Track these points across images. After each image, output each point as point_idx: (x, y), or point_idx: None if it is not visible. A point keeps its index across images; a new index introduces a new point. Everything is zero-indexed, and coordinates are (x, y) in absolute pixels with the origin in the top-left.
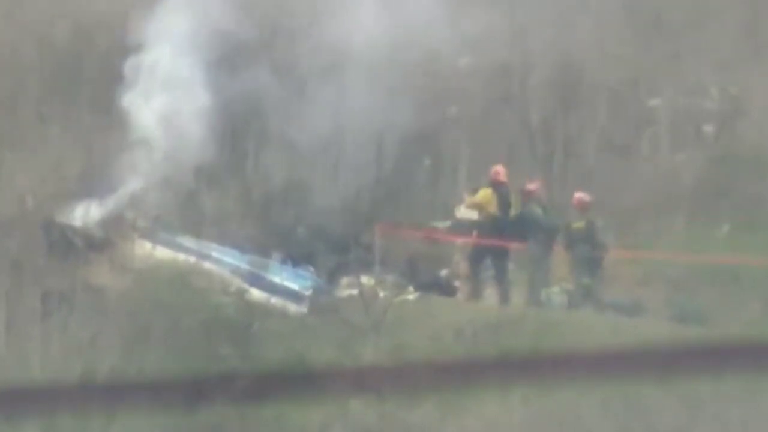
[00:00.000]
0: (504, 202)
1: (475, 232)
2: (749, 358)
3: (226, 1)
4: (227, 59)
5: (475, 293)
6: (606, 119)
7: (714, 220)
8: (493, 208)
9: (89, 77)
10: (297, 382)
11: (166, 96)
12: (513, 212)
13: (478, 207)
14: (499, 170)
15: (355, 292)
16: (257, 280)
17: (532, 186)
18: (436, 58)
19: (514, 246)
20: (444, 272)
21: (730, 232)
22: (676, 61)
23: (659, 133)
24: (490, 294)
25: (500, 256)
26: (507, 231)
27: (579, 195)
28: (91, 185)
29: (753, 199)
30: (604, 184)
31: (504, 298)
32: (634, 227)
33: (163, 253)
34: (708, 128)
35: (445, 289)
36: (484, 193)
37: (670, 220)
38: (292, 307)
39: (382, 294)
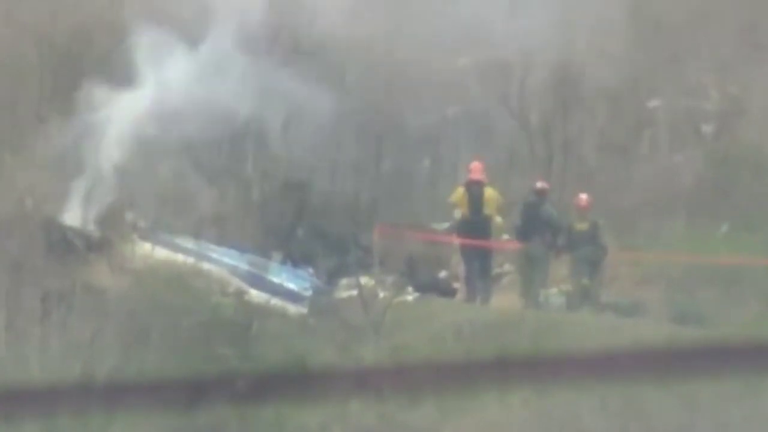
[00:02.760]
0: (474, 202)
1: (453, 232)
2: (749, 358)
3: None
4: (226, 56)
5: (470, 294)
6: (606, 120)
7: (714, 220)
8: (464, 208)
9: (89, 77)
10: (297, 382)
11: (165, 94)
12: (487, 211)
13: (453, 206)
14: (473, 167)
15: (354, 292)
16: (257, 281)
17: (544, 185)
18: (436, 57)
19: (514, 246)
20: (443, 273)
21: (730, 232)
22: (676, 61)
23: (659, 133)
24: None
25: (484, 255)
26: (478, 231)
27: (583, 196)
28: (90, 185)
29: (753, 199)
30: (604, 185)
31: (485, 298)
32: (634, 227)
33: (162, 253)
34: (708, 128)
35: (445, 290)
36: (457, 193)
37: (670, 220)
38: (292, 308)
39: (381, 295)
